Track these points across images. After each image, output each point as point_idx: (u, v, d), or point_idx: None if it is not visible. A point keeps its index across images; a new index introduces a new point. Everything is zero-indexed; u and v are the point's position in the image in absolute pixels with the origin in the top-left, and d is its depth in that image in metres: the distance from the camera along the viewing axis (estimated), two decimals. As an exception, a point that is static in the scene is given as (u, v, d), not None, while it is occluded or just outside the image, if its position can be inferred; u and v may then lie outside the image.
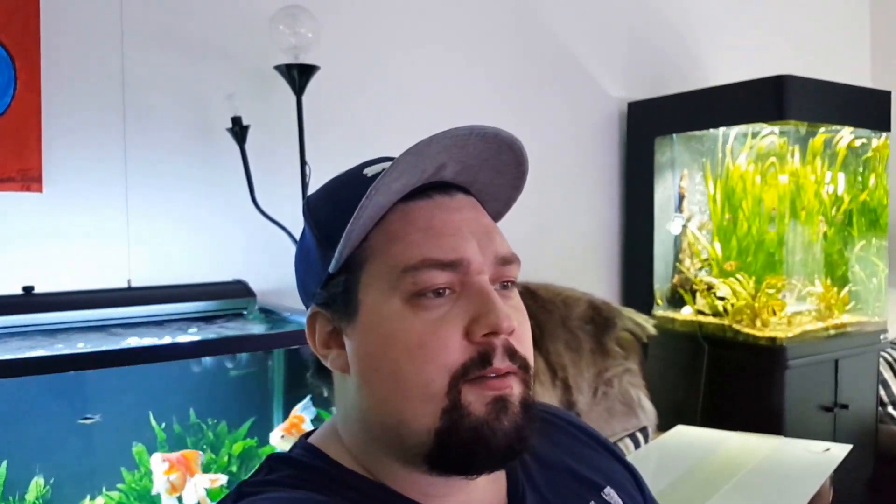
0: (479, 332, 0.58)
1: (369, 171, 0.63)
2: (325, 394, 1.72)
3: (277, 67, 1.93)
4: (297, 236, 2.01)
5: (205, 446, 1.67)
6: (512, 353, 0.59)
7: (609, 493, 0.72)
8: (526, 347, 0.62)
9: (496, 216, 0.67)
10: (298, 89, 1.94)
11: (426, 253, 0.58)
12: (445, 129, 0.57)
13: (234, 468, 1.66)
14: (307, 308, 0.66)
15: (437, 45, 2.42)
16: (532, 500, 0.67)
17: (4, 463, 1.43)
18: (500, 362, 0.58)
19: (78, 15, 1.81)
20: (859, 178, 2.82)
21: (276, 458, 0.66)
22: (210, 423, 1.68)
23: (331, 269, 0.61)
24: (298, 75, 1.92)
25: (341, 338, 0.63)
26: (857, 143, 2.77)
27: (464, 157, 0.60)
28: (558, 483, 0.70)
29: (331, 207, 0.64)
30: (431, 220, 0.60)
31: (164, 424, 1.62)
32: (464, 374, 0.58)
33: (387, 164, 0.61)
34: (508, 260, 0.62)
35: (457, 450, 0.58)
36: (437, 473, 0.60)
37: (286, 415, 1.79)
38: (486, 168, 0.63)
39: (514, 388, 0.59)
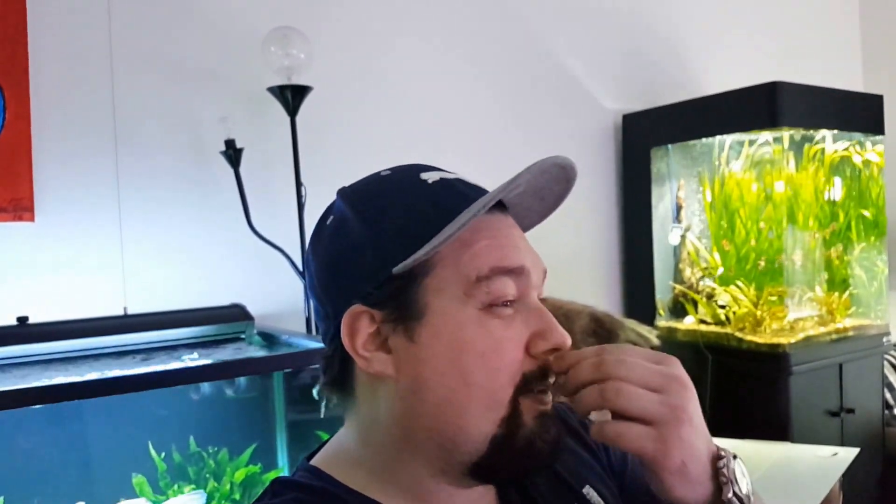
0: (544, 348, 0.61)
1: (428, 178, 0.64)
2: (322, 415, 1.70)
3: (270, 89, 1.92)
4: (295, 258, 1.99)
5: (207, 475, 1.65)
6: (555, 371, 0.62)
7: (588, 491, 0.73)
8: None
9: None
10: (292, 110, 1.93)
11: (494, 262, 0.60)
12: (545, 158, 0.61)
13: (237, 496, 1.64)
14: (328, 304, 0.64)
15: (431, 62, 2.42)
16: None
17: (1, 498, 1.40)
18: (551, 378, 0.62)
19: (66, 42, 1.80)
20: (856, 182, 2.82)
21: (280, 482, 0.65)
22: (211, 450, 1.66)
23: (397, 270, 0.60)
24: (292, 96, 1.92)
25: (387, 341, 0.61)
26: (851, 149, 2.77)
27: (535, 182, 0.64)
28: (546, 489, 0.71)
29: (392, 207, 0.62)
30: (497, 231, 0.62)
31: (163, 454, 1.59)
32: (525, 386, 0.60)
33: (443, 174, 0.65)
34: (546, 274, 0.66)
35: (508, 458, 0.60)
36: (474, 482, 0.62)
37: (289, 439, 1.76)
38: (536, 195, 0.66)
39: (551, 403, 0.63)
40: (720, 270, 2.69)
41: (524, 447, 0.60)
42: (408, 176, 0.65)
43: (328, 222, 0.65)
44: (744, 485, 0.59)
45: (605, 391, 0.57)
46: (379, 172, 0.67)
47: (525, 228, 0.69)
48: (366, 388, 0.64)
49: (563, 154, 0.64)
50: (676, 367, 0.61)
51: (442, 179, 0.64)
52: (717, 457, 0.59)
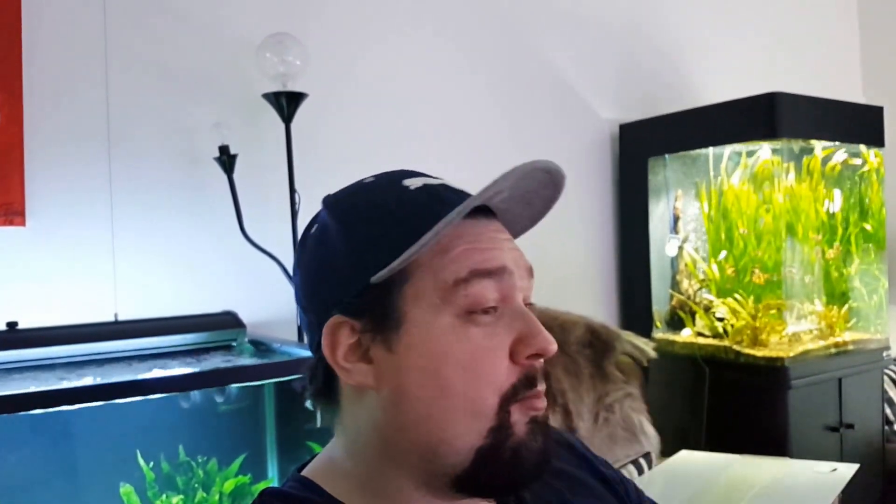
0: (526, 353, 0.59)
1: (410, 185, 0.63)
2: (318, 424, 1.68)
3: (265, 95, 1.91)
4: (288, 265, 1.98)
5: (196, 485, 1.62)
6: (546, 375, 0.61)
7: None
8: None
9: None
10: (287, 117, 1.92)
11: (473, 265, 0.59)
12: (523, 164, 0.59)
13: (225, 507, 1.61)
14: (311, 314, 0.63)
15: (427, 70, 2.41)
16: None
17: (-15, 508, 1.38)
18: (540, 384, 0.60)
19: (61, 45, 1.79)
20: (855, 194, 2.80)
21: (269, 493, 0.64)
22: (200, 460, 1.64)
23: (374, 279, 0.59)
24: (287, 103, 1.90)
25: (367, 351, 0.60)
26: (852, 161, 2.76)
27: (520, 187, 0.62)
28: None
29: (372, 216, 0.61)
30: (478, 236, 0.61)
31: (152, 463, 1.57)
32: (514, 395, 0.58)
33: (427, 180, 0.63)
34: (532, 273, 0.64)
35: (493, 469, 0.58)
36: (459, 495, 0.60)
37: (279, 449, 1.74)
38: (523, 200, 0.65)
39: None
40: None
41: (510, 458, 0.58)
42: (390, 182, 0.64)
43: (312, 231, 0.65)
44: None
45: None
46: (363, 179, 0.66)
47: (516, 234, 0.68)
48: (350, 398, 0.63)
49: (561, 163, 0.63)
50: None
51: (425, 186, 0.62)
52: None
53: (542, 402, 0.60)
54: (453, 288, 0.58)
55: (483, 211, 0.63)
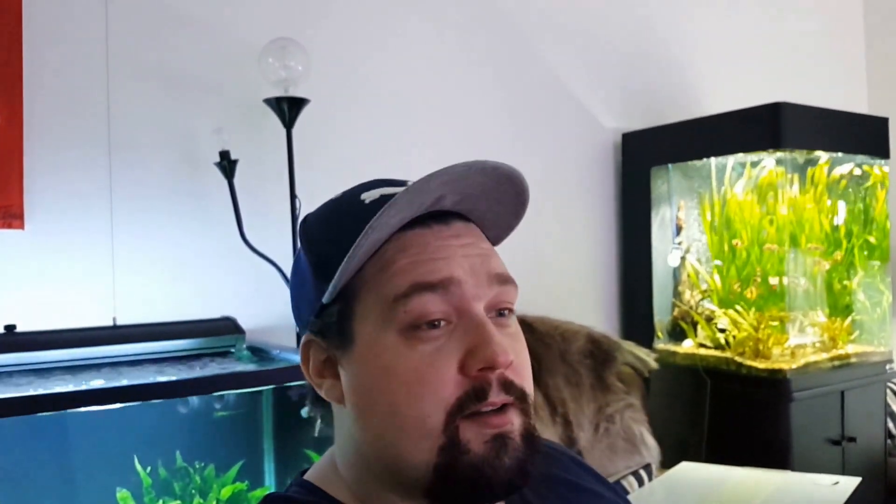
0: (475, 367, 0.56)
1: (367, 198, 0.61)
2: (316, 433, 1.67)
3: (267, 101, 1.91)
4: (287, 272, 1.98)
5: (192, 491, 1.61)
6: (508, 386, 0.57)
7: None
8: (524, 377, 0.60)
9: (496, 241, 0.66)
10: (288, 122, 1.91)
11: (413, 278, 0.57)
12: (445, 167, 0.56)
13: (222, 513, 1.60)
14: (301, 333, 0.65)
15: (429, 78, 2.41)
16: None
17: (-20, 512, 1.37)
18: (496, 396, 0.57)
19: (62, 49, 1.79)
20: (860, 206, 2.79)
21: (272, 499, 0.64)
22: (197, 466, 1.63)
23: (325, 299, 0.59)
24: (288, 108, 1.90)
25: (336, 367, 0.61)
26: (857, 171, 2.75)
27: (463, 189, 0.60)
28: None
29: (326, 235, 0.62)
30: (425, 246, 0.58)
31: (149, 468, 1.57)
32: (459, 410, 0.56)
33: (385, 190, 0.61)
34: (504, 279, 0.60)
35: (458, 485, 0.56)
36: None
37: (277, 457, 1.73)
38: (485, 197, 0.62)
39: (514, 422, 0.57)
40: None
41: (471, 475, 0.56)
42: (349, 198, 0.63)
43: (297, 253, 0.67)
44: None
45: None
46: (334, 196, 0.66)
47: (501, 231, 0.66)
48: (336, 409, 0.64)
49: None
50: None
51: (382, 197, 0.60)
52: None
53: (503, 419, 0.57)
54: (393, 304, 0.57)
55: (440, 216, 0.60)
